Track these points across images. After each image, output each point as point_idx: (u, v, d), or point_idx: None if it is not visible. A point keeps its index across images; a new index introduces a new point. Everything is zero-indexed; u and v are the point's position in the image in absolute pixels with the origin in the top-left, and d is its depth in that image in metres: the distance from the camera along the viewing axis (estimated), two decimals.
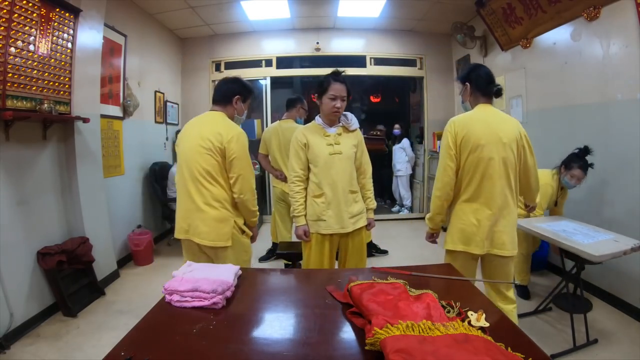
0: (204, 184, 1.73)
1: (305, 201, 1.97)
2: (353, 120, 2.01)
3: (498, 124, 1.77)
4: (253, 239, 1.97)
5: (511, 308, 1.75)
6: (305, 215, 1.96)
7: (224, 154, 1.72)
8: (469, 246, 1.71)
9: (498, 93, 1.90)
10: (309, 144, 1.93)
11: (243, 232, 1.86)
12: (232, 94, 1.86)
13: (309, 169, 1.96)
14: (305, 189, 1.97)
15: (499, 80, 4.08)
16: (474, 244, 1.69)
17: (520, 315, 2.41)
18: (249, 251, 1.92)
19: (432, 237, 1.92)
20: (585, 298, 2.47)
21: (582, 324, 2.11)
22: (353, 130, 2.00)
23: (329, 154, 1.90)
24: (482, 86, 1.84)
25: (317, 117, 2.00)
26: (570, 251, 1.96)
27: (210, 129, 1.74)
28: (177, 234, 1.84)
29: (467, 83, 1.86)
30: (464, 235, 1.71)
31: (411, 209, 5.71)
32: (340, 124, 1.98)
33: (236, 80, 1.94)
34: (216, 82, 5.21)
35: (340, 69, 1.94)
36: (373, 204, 2.09)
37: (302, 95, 3.56)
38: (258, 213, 1.91)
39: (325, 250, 1.97)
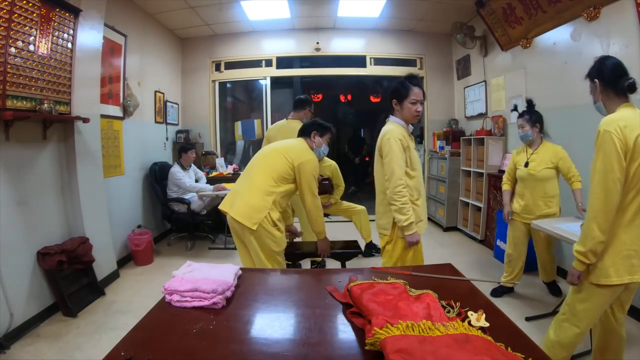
0: (269, 176, 2.02)
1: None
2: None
3: None
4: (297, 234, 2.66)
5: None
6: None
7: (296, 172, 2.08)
8: (636, 275, 1.37)
9: (632, 88, 1.47)
10: (409, 148, 1.90)
11: (275, 225, 2.00)
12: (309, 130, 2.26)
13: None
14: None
15: (498, 80, 4.11)
16: (639, 271, 1.37)
17: (538, 317, 2.42)
18: (280, 244, 2.04)
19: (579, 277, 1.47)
20: None
21: None
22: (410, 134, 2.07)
23: (419, 157, 2.06)
24: (611, 81, 1.50)
25: (397, 119, 1.95)
26: None
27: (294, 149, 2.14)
28: (221, 206, 2.08)
29: (595, 80, 1.55)
30: (630, 263, 1.37)
31: None
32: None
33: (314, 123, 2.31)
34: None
35: (414, 73, 2.04)
36: None
37: (309, 96, 3.51)
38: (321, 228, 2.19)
39: (419, 248, 2.00)
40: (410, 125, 2.00)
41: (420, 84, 1.96)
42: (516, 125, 2.69)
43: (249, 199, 1.98)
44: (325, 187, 3.38)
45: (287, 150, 2.10)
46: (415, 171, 1.94)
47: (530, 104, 2.63)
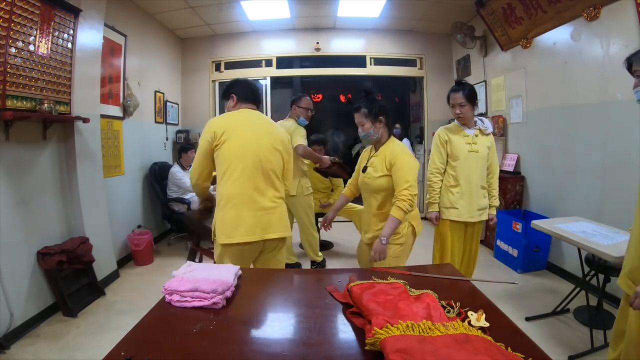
0: (274, 181, 1.75)
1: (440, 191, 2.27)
2: (488, 125, 2.29)
3: None
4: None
5: None
6: (438, 204, 2.28)
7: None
8: None
9: None
10: (450, 141, 2.24)
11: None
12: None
13: (446, 163, 2.26)
14: (441, 180, 2.28)
15: (498, 80, 4.11)
16: None
17: (538, 317, 2.42)
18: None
19: None
20: (607, 311, 2.32)
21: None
22: (487, 134, 2.28)
23: (468, 151, 2.20)
24: None
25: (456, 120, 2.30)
26: (594, 253, 1.92)
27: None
28: (251, 237, 1.65)
29: None
30: None
31: None
32: (477, 127, 2.26)
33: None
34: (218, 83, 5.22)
35: (457, 79, 2.23)
36: (497, 201, 2.36)
37: (301, 93, 3.41)
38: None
39: (454, 235, 2.26)
40: (487, 124, 2.33)
41: (458, 88, 2.21)
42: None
43: (279, 210, 1.77)
44: (335, 170, 3.28)
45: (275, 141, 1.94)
46: (457, 162, 2.23)
47: (368, 92, 1.92)
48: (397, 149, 1.84)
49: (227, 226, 1.63)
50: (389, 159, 1.81)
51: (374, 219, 1.89)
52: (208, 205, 2.02)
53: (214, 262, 1.81)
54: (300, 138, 2.94)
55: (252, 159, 1.66)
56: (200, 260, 2.71)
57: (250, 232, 1.64)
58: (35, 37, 2.29)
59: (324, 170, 3.27)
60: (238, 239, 1.62)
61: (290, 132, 2.77)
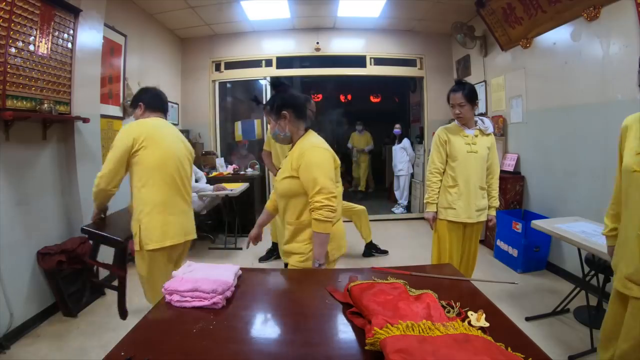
0: (187, 187, 1.89)
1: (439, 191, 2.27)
2: (488, 125, 2.28)
3: None
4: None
5: None
6: (436, 204, 2.27)
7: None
8: None
9: None
10: (449, 141, 2.22)
11: None
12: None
13: (446, 163, 2.26)
14: (440, 180, 2.27)
15: (498, 80, 4.11)
16: None
17: (538, 317, 2.42)
18: None
19: None
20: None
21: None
22: (488, 134, 2.26)
23: (467, 152, 2.19)
24: None
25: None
26: (594, 253, 1.92)
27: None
28: (178, 239, 1.76)
29: None
30: None
31: (408, 209, 5.72)
32: (477, 127, 2.24)
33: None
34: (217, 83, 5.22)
35: (457, 79, 2.21)
36: (496, 202, 2.34)
37: (309, 95, 3.48)
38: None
39: (453, 235, 2.25)
40: (487, 124, 2.31)
41: (459, 88, 2.18)
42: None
43: (191, 214, 2.00)
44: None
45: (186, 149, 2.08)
46: (455, 162, 2.21)
47: (275, 85, 1.67)
48: (306, 144, 1.51)
49: (155, 232, 1.69)
50: (296, 157, 1.50)
51: (285, 230, 1.60)
52: (102, 217, 2.03)
53: (121, 273, 2.05)
54: None
55: (172, 166, 1.76)
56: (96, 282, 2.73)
57: (177, 235, 1.76)
58: (35, 37, 2.29)
59: None
60: (169, 242, 1.71)
61: None
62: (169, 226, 1.74)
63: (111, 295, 2.83)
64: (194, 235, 1.91)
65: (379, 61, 5.19)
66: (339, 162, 1.61)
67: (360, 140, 7.12)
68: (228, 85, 5.80)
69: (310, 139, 1.55)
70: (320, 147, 1.51)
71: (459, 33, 4.32)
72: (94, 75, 2.93)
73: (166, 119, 1.90)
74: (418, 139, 5.81)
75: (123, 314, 2.12)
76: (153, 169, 1.70)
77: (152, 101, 1.85)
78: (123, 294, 2.09)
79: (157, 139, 1.73)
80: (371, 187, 7.50)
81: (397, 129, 5.76)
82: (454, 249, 2.27)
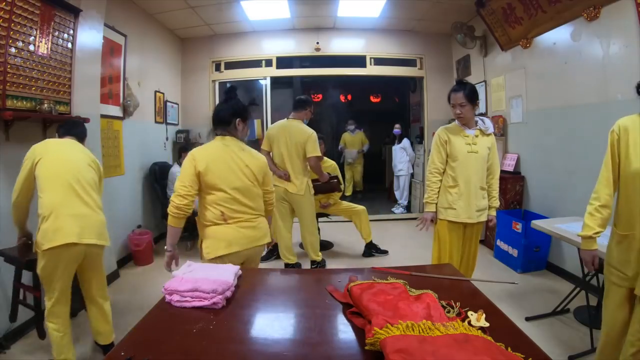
0: (90, 192, 1.91)
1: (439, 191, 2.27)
2: (488, 125, 2.28)
3: None
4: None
5: None
6: (435, 204, 2.27)
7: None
8: None
9: None
10: (449, 141, 2.22)
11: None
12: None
13: (446, 163, 2.25)
14: (440, 180, 2.27)
15: (498, 80, 4.11)
16: None
17: (538, 317, 2.42)
18: None
19: None
20: None
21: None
22: (488, 135, 2.26)
23: (467, 152, 2.18)
24: None
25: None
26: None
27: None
28: (68, 238, 1.74)
29: None
30: None
31: (408, 209, 5.72)
32: (478, 127, 2.23)
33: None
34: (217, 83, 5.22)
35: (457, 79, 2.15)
36: (496, 202, 2.33)
37: (309, 96, 3.57)
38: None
39: (453, 235, 2.24)
40: (487, 124, 2.30)
41: (459, 88, 2.18)
42: None
43: (101, 217, 1.96)
44: (333, 185, 3.49)
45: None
46: (456, 162, 2.20)
47: (230, 92, 1.86)
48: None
49: (48, 233, 1.74)
50: None
51: None
52: (27, 242, 2.06)
53: (35, 293, 2.02)
54: (318, 150, 3.10)
55: (70, 172, 1.85)
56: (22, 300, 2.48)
57: (69, 235, 1.75)
58: (35, 37, 2.29)
59: (320, 184, 3.42)
60: (59, 241, 1.73)
61: (313, 139, 3.03)
62: (61, 227, 1.76)
63: (111, 295, 2.82)
64: (96, 240, 1.86)
65: (379, 61, 5.19)
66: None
67: (354, 140, 6.62)
68: (228, 85, 5.79)
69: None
70: (189, 157, 1.71)
71: (459, 33, 4.32)
72: (94, 75, 2.93)
73: (81, 142, 2.05)
74: (418, 139, 5.81)
75: (41, 334, 2.12)
76: (49, 176, 1.82)
77: (67, 129, 2.04)
78: (39, 313, 2.07)
79: (52, 151, 1.88)
80: (359, 186, 6.87)
81: (397, 129, 5.76)
82: (454, 249, 2.26)
